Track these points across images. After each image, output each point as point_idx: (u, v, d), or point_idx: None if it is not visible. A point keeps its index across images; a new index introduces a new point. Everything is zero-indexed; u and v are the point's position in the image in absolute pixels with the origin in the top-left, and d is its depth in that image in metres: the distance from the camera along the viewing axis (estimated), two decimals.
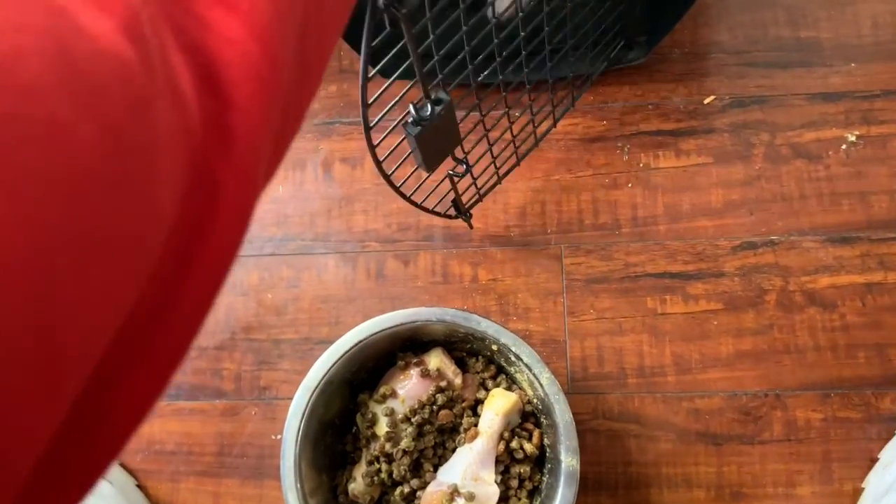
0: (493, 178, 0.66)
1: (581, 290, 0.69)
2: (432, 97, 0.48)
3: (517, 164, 0.68)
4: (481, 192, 0.66)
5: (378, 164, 0.50)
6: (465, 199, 0.64)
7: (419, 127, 0.48)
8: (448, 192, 0.61)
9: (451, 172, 0.58)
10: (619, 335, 0.68)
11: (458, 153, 0.56)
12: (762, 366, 0.65)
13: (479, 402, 0.60)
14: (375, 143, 0.47)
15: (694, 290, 0.68)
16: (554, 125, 0.70)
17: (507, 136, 0.64)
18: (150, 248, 0.18)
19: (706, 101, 0.73)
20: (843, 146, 0.70)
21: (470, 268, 0.71)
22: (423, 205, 0.60)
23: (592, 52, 0.72)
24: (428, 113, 0.47)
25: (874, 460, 0.62)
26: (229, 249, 0.21)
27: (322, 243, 0.73)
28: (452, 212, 0.65)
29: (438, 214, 0.63)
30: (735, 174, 0.71)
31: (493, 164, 0.63)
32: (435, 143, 0.50)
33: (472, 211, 0.67)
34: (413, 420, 0.58)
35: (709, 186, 0.71)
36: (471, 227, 0.71)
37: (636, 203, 0.71)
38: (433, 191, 0.59)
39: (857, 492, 0.62)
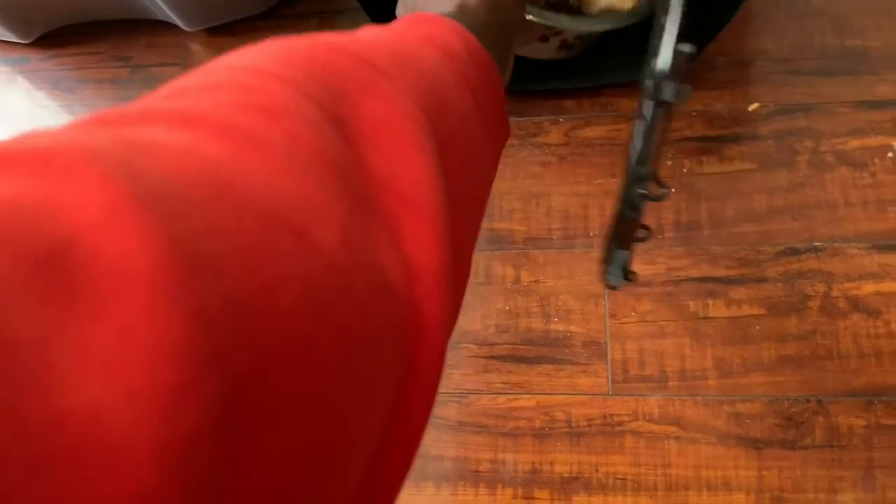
0: None
1: (623, 293, 0.70)
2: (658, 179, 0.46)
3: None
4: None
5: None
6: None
7: (636, 209, 0.46)
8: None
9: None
10: (661, 338, 0.68)
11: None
12: (804, 371, 0.65)
13: None
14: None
15: (737, 294, 0.68)
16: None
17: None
18: (372, 437, 0.21)
19: (750, 109, 0.74)
20: (890, 154, 0.70)
21: (512, 269, 0.72)
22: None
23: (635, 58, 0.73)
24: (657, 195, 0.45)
25: None
26: (426, 411, 0.23)
27: None
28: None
29: (612, 288, 0.58)
30: (779, 180, 0.71)
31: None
32: (639, 220, 0.48)
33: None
34: None
35: (752, 192, 0.71)
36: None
37: (679, 208, 0.72)
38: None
39: None
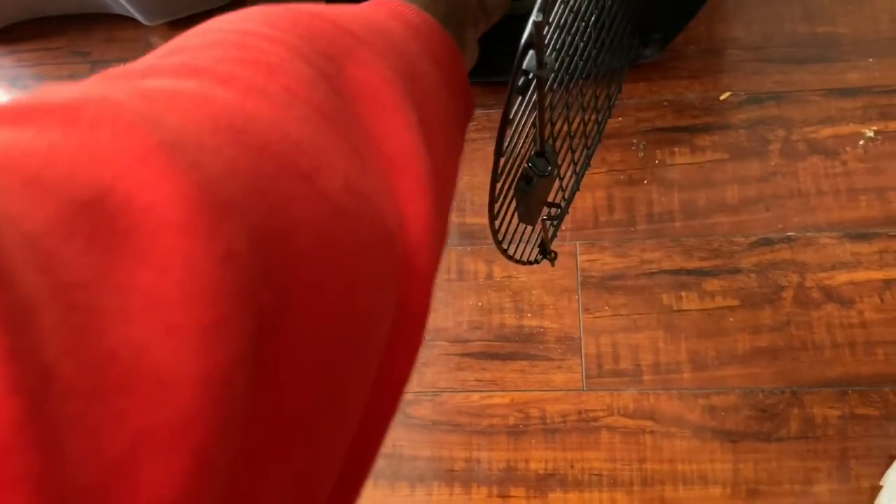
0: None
1: (596, 287, 0.69)
2: (547, 153, 0.46)
3: (588, 165, 0.65)
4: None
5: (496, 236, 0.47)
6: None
7: (530, 184, 0.46)
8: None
9: (545, 217, 0.55)
10: (635, 332, 0.68)
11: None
12: (779, 363, 0.65)
13: None
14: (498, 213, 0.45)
15: (710, 286, 0.68)
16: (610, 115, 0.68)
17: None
18: (372, 373, 0.23)
19: (722, 98, 0.73)
20: (861, 142, 0.70)
21: (484, 265, 0.71)
22: (517, 258, 0.55)
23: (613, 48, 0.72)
24: (545, 169, 0.45)
25: (893, 457, 0.62)
26: (413, 356, 0.25)
27: None
28: (534, 256, 0.59)
29: (527, 263, 0.58)
30: (751, 170, 0.70)
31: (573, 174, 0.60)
32: (539, 195, 0.48)
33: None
34: None
35: (724, 183, 0.71)
36: (553, 265, 0.67)
37: (651, 200, 0.71)
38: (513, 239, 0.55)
39: (876, 489, 0.62)
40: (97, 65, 0.84)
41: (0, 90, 0.85)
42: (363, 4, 0.35)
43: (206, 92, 0.20)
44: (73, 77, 0.84)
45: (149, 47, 0.82)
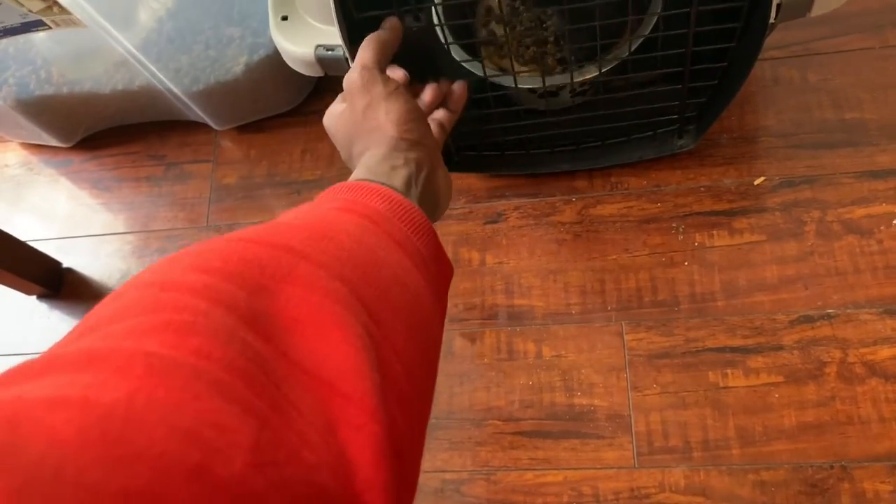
0: None
1: (643, 365, 0.72)
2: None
3: None
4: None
5: None
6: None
7: None
8: None
9: None
10: (683, 409, 0.70)
11: None
12: (826, 437, 0.66)
13: None
14: None
15: (754, 363, 0.70)
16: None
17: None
18: None
19: (756, 183, 0.77)
20: (895, 221, 0.72)
21: (534, 345, 0.75)
22: None
23: (643, 138, 0.77)
24: None
25: None
26: None
27: None
28: None
29: None
30: (788, 251, 0.73)
31: None
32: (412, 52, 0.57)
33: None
34: None
35: (763, 263, 0.73)
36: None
37: (693, 280, 0.74)
38: None
39: None
40: (171, 167, 0.91)
41: (84, 192, 0.93)
42: (321, 198, 0.38)
43: (94, 394, 0.19)
44: (149, 179, 0.91)
45: (219, 149, 0.90)
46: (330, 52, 0.64)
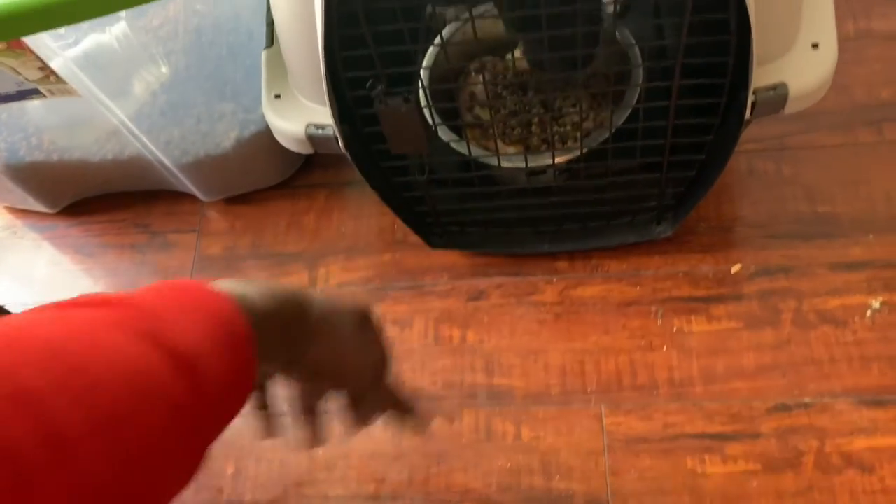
0: None
1: (622, 450, 0.71)
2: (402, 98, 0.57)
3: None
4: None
5: None
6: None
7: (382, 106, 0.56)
8: None
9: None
10: (661, 495, 0.69)
11: None
12: None
13: None
14: None
15: (732, 450, 0.70)
16: None
17: None
18: None
19: (733, 271, 0.78)
20: (868, 312, 0.74)
21: (513, 426, 0.74)
22: None
23: (623, 223, 0.79)
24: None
25: None
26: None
27: None
28: None
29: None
30: (765, 338, 0.74)
31: None
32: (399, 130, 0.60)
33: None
34: None
35: (741, 350, 0.74)
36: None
37: (672, 365, 0.74)
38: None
39: None
40: (156, 235, 0.92)
41: (66, 258, 0.93)
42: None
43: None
44: (133, 247, 0.92)
45: (204, 220, 0.91)
46: (320, 131, 0.65)
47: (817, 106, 0.83)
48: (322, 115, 0.66)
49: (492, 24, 0.72)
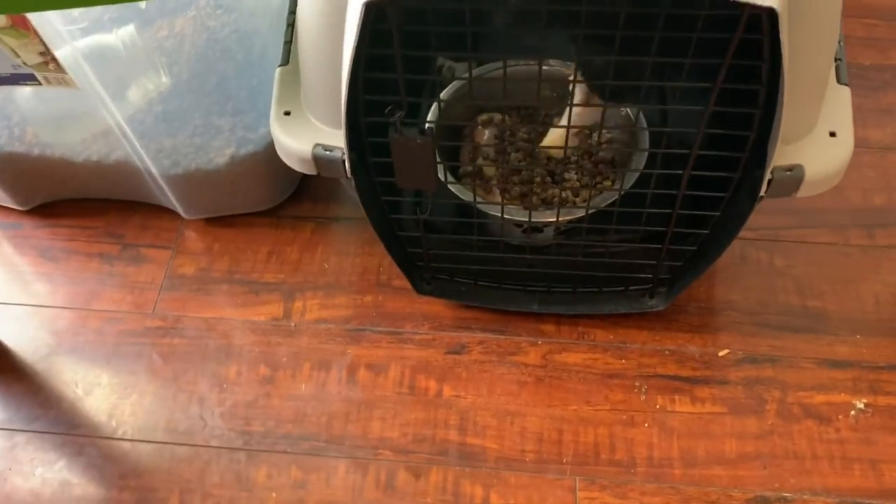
0: None
1: None
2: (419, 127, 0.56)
3: None
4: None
5: None
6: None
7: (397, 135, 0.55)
8: None
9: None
10: None
11: None
12: None
13: None
14: None
15: None
16: None
17: None
18: None
19: (720, 354, 0.77)
20: (853, 412, 0.73)
21: (482, 489, 0.70)
22: None
23: (615, 292, 0.77)
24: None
25: None
26: None
27: (336, 446, 0.73)
28: None
29: None
30: (748, 427, 0.72)
31: None
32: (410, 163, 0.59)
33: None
34: None
35: (723, 436, 0.72)
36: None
37: (652, 443, 0.72)
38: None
39: None
40: (128, 248, 0.87)
41: (25, 259, 0.87)
42: None
43: None
44: (101, 256, 0.87)
45: (181, 238, 0.87)
46: (328, 153, 0.63)
47: (813, 203, 0.84)
48: (331, 137, 0.64)
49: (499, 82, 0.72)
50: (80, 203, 0.90)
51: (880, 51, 0.98)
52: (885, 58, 0.97)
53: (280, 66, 0.68)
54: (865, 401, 0.73)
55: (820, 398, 0.74)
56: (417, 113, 0.75)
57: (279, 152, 0.67)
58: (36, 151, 0.82)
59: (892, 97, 0.94)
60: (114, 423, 0.76)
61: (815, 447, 0.71)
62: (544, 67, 0.54)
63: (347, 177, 0.64)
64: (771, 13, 0.45)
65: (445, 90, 0.76)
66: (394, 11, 0.51)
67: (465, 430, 0.74)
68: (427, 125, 0.59)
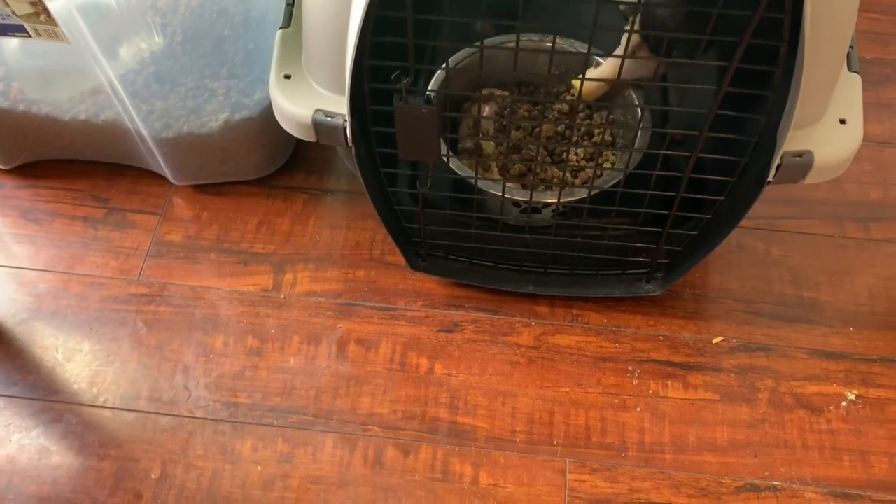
0: None
1: None
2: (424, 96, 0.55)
3: None
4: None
5: None
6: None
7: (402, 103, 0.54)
8: None
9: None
10: None
11: None
12: None
13: None
14: None
15: None
16: None
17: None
18: None
19: (714, 342, 0.76)
20: (844, 403, 0.73)
21: (471, 468, 0.69)
22: None
23: (611, 276, 0.77)
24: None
25: None
26: None
27: (324, 421, 0.72)
28: None
29: None
30: (740, 414, 0.72)
31: None
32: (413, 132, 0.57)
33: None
34: None
35: (715, 423, 0.72)
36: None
37: (644, 428, 0.71)
38: None
39: None
40: (113, 212, 0.85)
41: (8, 219, 0.85)
42: None
43: None
44: (85, 219, 0.84)
45: (169, 204, 0.85)
46: (329, 119, 0.61)
47: (810, 194, 0.84)
48: (332, 102, 0.62)
49: (504, 58, 0.71)
50: (65, 164, 0.88)
51: (881, 45, 0.98)
52: (885, 52, 0.97)
53: (281, 27, 0.66)
54: (856, 392, 0.73)
55: (812, 388, 0.74)
56: (416, 82, 0.73)
57: (278, 117, 0.65)
58: (21, 107, 0.79)
59: (891, 91, 0.94)
60: (95, 391, 0.74)
61: (806, 437, 0.71)
62: (547, 44, 0.53)
63: (348, 145, 0.62)
64: None
65: (452, 59, 0.74)
66: None
67: (456, 408, 0.73)
68: (429, 93, 0.57)
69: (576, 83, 0.69)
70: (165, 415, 0.72)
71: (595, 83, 0.69)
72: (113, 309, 0.78)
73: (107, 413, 0.73)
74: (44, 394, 0.74)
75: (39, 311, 0.78)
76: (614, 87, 0.73)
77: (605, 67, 0.70)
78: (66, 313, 0.78)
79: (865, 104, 0.64)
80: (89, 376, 0.75)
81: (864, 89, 0.63)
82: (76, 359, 0.76)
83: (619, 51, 0.64)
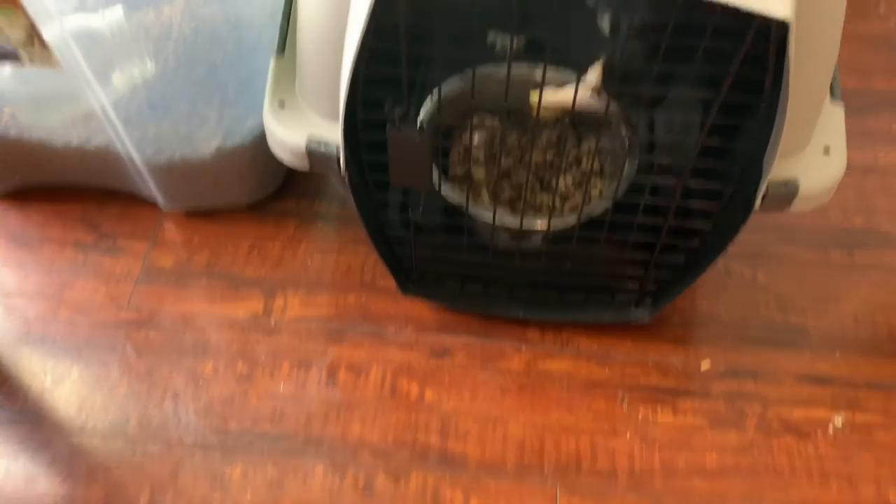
0: None
1: None
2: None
3: None
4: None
5: None
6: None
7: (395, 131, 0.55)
8: None
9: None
10: None
11: None
12: None
13: None
14: None
15: None
16: None
17: None
18: None
19: (703, 367, 0.77)
20: (831, 428, 0.73)
21: (462, 494, 0.69)
22: None
23: (601, 301, 0.77)
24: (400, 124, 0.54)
25: None
26: None
27: (314, 447, 0.71)
28: None
29: None
30: (729, 440, 0.73)
31: None
32: (405, 160, 0.58)
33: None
34: None
35: (704, 448, 0.72)
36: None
37: (633, 454, 0.72)
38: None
39: None
40: (105, 237, 0.85)
41: (1, 243, 0.85)
42: None
43: None
44: (76, 245, 0.84)
45: (160, 229, 0.85)
46: (322, 147, 0.62)
47: (795, 221, 0.85)
48: (326, 130, 0.63)
49: (494, 85, 0.72)
50: (56, 189, 0.88)
51: (863, 75, 1.00)
52: (867, 82, 0.99)
53: (275, 55, 0.67)
54: (843, 417, 0.74)
55: (800, 413, 0.74)
56: (409, 111, 0.74)
57: (271, 144, 0.66)
58: (13, 133, 0.79)
59: (872, 121, 0.96)
60: (83, 416, 0.73)
61: (794, 462, 0.72)
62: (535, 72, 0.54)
63: (342, 173, 0.62)
64: (783, 24, 0.45)
65: (442, 88, 0.75)
66: (403, 3, 0.50)
67: (447, 434, 0.73)
68: (420, 122, 0.58)
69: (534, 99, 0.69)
70: (155, 441, 0.72)
71: (552, 104, 0.68)
72: (102, 334, 0.78)
73: (95, 439, 0.72)
74: (32, 419, 0.73)
75: (28, 337, 0.78)
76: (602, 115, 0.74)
77: (560, 94, 0.71)
78: (56, 339, 0.78)
79: (848, 133, 0.66)
80: (78, 402, 0.74)
81: (847, 118, 0.64)
82: (65, 384, 0.75)
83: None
